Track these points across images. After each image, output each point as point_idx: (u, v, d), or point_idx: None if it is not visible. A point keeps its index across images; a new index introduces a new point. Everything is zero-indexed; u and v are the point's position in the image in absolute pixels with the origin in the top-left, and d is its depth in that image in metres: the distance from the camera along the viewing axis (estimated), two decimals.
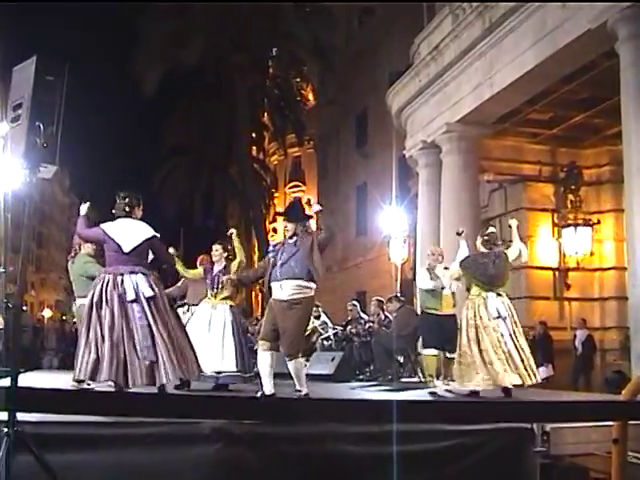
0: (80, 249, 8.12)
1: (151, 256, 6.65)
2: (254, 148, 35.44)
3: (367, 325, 12.56)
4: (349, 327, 12.95)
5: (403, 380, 10.64)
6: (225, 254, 8.56)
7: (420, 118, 15.90)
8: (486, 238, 8.18)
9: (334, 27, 29.51)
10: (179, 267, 8.67)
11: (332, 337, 13.41)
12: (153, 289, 5.98)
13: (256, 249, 34.24)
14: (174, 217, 33.30)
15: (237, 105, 30.74)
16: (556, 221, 16.33)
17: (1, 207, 11.82)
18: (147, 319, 5.83)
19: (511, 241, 8.49)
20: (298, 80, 35.08)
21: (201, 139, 32.19)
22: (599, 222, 15.97)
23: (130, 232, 6.15)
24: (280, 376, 7.46)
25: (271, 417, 4.54)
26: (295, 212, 7.48)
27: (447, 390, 8.36)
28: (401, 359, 10.97)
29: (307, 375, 7.59)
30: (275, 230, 34.97)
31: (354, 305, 13.39)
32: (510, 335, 7.69)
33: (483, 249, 8.15)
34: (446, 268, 8.75)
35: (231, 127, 31.53)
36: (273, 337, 7.00)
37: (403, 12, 23.05)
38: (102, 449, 4.60)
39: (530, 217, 16.26)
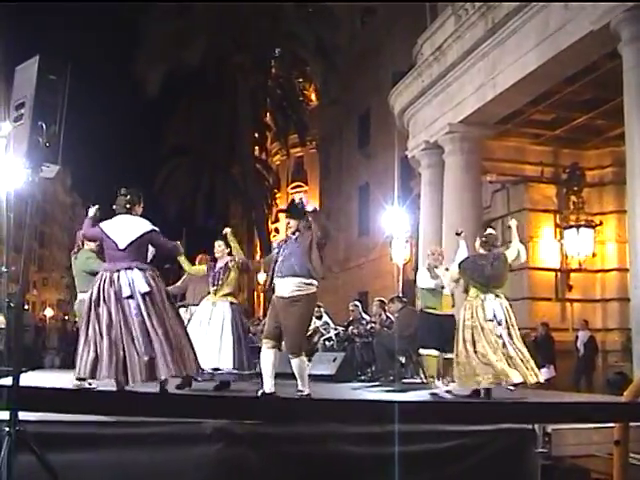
0: (83, 245, 8.15)
1: (152, 251, 6.67)
2: (256, 148, 35.42)
3: (369, 326, 12.57)
4: (351, 328, 12.96)
5: (405, 381, 10.64)
6: (227, 250, 8.61)
7: (423, 118, 15.90)
8: (484, 240, 8.19)
9: (336, 27, 29.51)
10: (184, 263, 8.73)
11: (334, 337, 13.41)
12: (150, 284, 5.98)
13: (258, 249, 34.26)
14: (176, 217, 33.28)
15: (239, 105, 30.74)
16: (558, 222, 16.31)
17: (3, 206, 11.82)
18: (142, 315, 5.85)
19: (510, 242, 8.49)
20: (301, 80, 35.06)
21: (203, 139, 32.19)
22: (601, 223, 15.95)
23: (126, 228, 6.18)
24: (282, 376, 7.46)
25: (273, 417, 4.54)
26: (297, 209, 7.51)
27: (447, 391, 8.36)
28: (403, 360, 10.96)
29: (309, 375, 7.59)
30: (277, 230, 35.00)
31: (356, 306, 13.40)
32: (506, 338, 7.69)
33: (482, 250, 8.16)
34: (447, 269, 8.76)
35: (233, 127, 31.53)
36: (276, 335, 7.01)
37: (405, 12, 23.06)
38: (103, 449, 4.60)
39: (532, 218, 16.25)
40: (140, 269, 6.04)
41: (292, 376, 7.19)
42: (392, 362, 10.67)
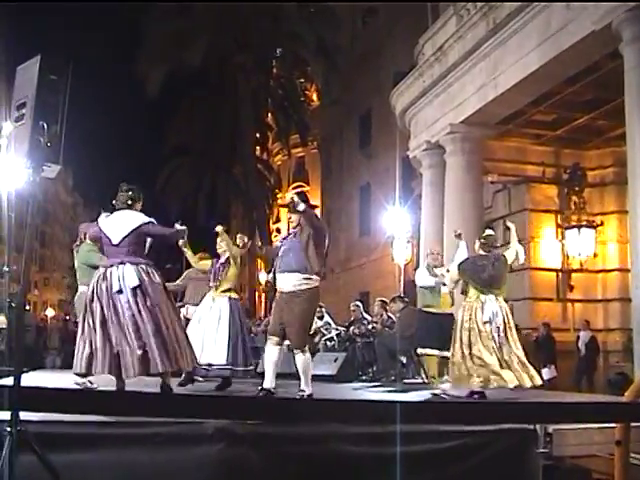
0: (85, 238, 8.18)
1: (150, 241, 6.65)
2: (258, 148, 35.42)
3: (370, 326, 12.57)
4: (352, 328, 12.95)
5: (406, 381, 10.63)
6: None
7: (424, 119, 15.90)
8: (483, 241, 8.17)
9: (338, 27, 29.50)
10: (189, 257, 8.79)
11: (335, 338, 13.40)
12: (141, 278, 5.99)
13: None
14: (177, 217, 33.13)
15: (240, 105, 30.73)
16: (559, 222, 16.32)
17: (4, 206, 11.83)
18: (132, 309, 5.88)
19: (508, 243, 8.48)
20: (302, 80, 35.06)
21: (204, 139, 32.17)
22: (602, 224, 15.96)
23: (121, 224, 6.22)
24: (284, 376, 7.46)
25: (274, 417, 4.54)
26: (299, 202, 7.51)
27: (443, 392, 8.36)
28: (404, 360, 10.95)
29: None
30: (279, 230, 34.96)
31: (357, 306, 13.39)
32: (504, 341, 7.67)
33: (482, 252, 8.14)
34: (447, 270, 8.76)
35: (234, 127, 31.52)
36: (280, 332, 7.01)
37: (407, 12, 23.05)
38: (105, 449, 4.60)
39: (533, 218, 16.26)
40: (133, 263, 6.06)
41: (294, 376, 7.19)
42: (393, 362, 10.66)
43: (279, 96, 34.30)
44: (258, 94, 32.36)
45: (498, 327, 7.67)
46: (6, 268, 11.40)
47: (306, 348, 6.99)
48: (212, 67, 29.96)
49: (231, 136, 32.05)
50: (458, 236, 8.68)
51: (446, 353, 8.25)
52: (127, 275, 5.98)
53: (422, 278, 9.01)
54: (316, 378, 9.26)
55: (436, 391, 8.40)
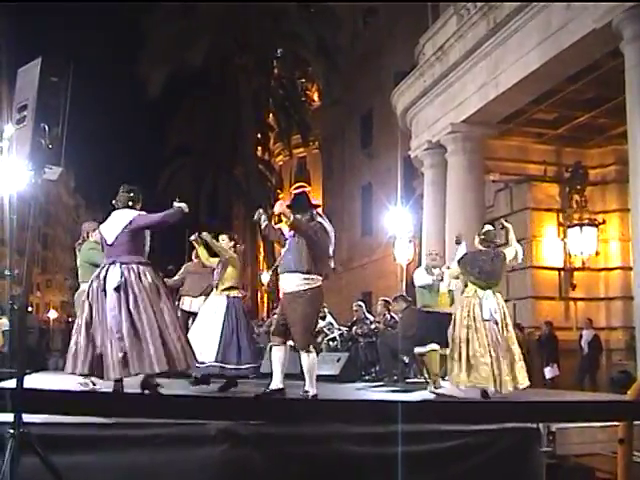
0: (88, 236, 8.17)
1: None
2: (259, 148, 35.43)
3: (373, 326, 12.57)
4: (355, 328, 12.96)
5: (409, 381, 10.63)
6: (230, 244, 8.64)
7: (425, 118, 15.89)
8: (483, 237, 8.16)
9: (338, 27, 29.52)
10: (201, 252, 8.87)
11: (338, 338, 13.42)
12: (126, 278, 5.95)
13: (261, 250, 34.28)
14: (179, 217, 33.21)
15: (242, 106, 30.75)
16: (561, 221, 16.31)
17: (6, 209, 11.83)
18: (115, 310, 5.87)
19: (507, 242, 8.46)
20: (303, 81, 35.09)
21: (206, 140, 32.19)
22: (604, 222, 15.96)
23: (114, 223, 6.24)
24: (288, 376, 7.45)
25: (277, 418, 4.54)
26: (301, 203, 7.52)
27: (436, 390, 8.36)
28: (407, 359, 10.96)
29: None
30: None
31: (359, 306, 13.40)
32: (500, 337, 7.65)
33: (481, 247, 8.13)
34: (448, 267, 8.75)
35: (236, 128, 31.54)
36: (282, 332, 7.01)
37: (407, 12, 23.06)
38: (108, 450, 4.60)
39: (535, 217, 16.26)
40: (123, 263, 6.04)
41: (298, 376, 7.19)
42: (396, 362, 10.67)
43: (280, 96, 34.33)
44: (259, 94, 32.40)
45: (497, 323, 7.66)
46: (8, 271, 11.41)
47: (311, 348, 6.98)
48: (213, 67, 30.00)
49: (232, 136, 32.07)
50: (458, 243, 8.65)
51: (447, 350, 8.25)
52: (110, 275, 5.99)
53: (420, 277, 9.02)
54: (319, 378, 9.25)
55: (438, 390, 8.40)
